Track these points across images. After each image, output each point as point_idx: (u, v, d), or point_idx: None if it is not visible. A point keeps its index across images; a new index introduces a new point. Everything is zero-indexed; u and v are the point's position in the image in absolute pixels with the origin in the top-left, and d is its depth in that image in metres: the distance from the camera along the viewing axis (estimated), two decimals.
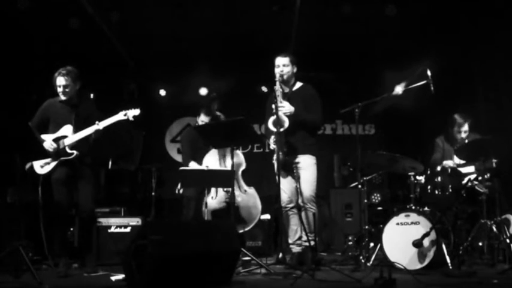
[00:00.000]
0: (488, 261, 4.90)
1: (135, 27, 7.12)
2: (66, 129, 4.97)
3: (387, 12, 6.80)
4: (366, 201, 5.80)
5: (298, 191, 5.09)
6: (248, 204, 5.91)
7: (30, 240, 5.40)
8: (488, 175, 5.06)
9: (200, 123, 6.30)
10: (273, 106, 4.92)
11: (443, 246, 4.67)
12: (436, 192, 5.10)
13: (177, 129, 8.83)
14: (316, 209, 5.10)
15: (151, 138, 8.35)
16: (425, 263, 4.64)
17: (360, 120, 5.25)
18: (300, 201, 5.09)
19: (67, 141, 4.94)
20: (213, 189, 5.92)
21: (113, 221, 5.96)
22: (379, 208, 7.03)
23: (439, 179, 5.14)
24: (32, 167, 5.05)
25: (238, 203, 5.85)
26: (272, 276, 4.52)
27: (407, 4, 6.74)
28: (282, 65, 5.15)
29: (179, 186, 6.25)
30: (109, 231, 5.87)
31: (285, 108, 4.96)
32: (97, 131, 4.91)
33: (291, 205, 5.17)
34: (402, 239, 4.75)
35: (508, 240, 4.71)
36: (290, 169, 5.10)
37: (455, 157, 5.46)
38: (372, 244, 5.55)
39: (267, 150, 5.38)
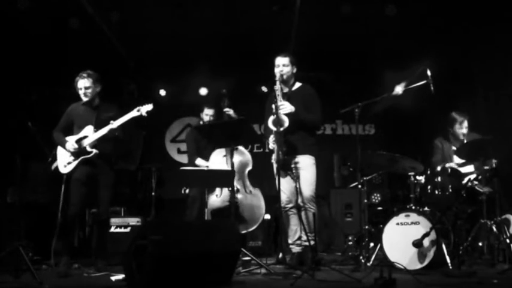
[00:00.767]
0: (488, 261, 4.90)
1: (135, 27, 7.12)
2: (87, 130, 5.14)
3: (387, 12, 6.80)
4: (366, 201, 5.80)
5: (297, 191, 5.09)
6: (252, 205, 5.91)
7: (30, 240, 5.41)
8: (488, 175, 5.06)
9: (205, 117, 6.34)
10: (273, 106, 4.93)
11: (443, 246, 4.67)
12: (436, 192, 5.10)
13: (177, 129, 8.85)
14: (316, 209, 5.10)
15: (151, 138, 8.35)
16: (425, 263, 4.64)
17: (360, 120, 5.25)
18: (299, 201, 5.09)
19: (87, 141, 5.09)
20: (217, 188, 5.92)
21: (113, 221, 5.97)
22: (379, 208, 7.03)
23: (439, 179, 5.14)
24: (57, 167, 5.24)
25: (242, 203, 5.84)
26: (272, 276, 4.52)
27: (407, 4, 6.74)
28: (282, 65, 5.16)
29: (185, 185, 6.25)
30: (109, 231, 5.87)
31: (285, 107, 4.96)
32: (112, 130, 5.03)
33: (290, 205, 5.17)
34: (402, 239, 4.75)
35: (508, 240, 4.71)
36: (289, 169, 5.10)
37: (455, 157, 5.46)
38: (372, 244, 5.55)
39: (267, 150, 5.38)
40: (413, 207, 4.99)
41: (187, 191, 6.25)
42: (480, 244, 5.03)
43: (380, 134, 8.71)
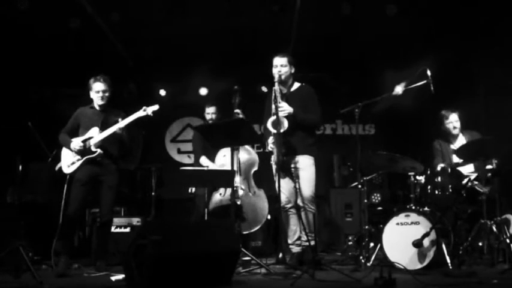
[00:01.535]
0: (488, 261, 4.90)
1: (135, 27, 7.12)
2: (93, 131, 5.18)
3: (387, 12, 6.80)
4: (366, 201, 5.80)
5: (297, 191, 5.09)
6: (255, 206, 5.91)
7: (30, 240, 5.40)
8: (488, 175, 5.06)
9: (206, 115, 6.40)
10: (273, 107, 4.93)
11: (443, 246, 4.67)
12: (436, 192, 5.10)
13: (177, 129, 8.85)
14: (315, 209, 5.10)
15: (151, 138, 8.35)
16: (425, 263, 4.64)
17: (360, 120, 5.25)
18: (299, 201, 5.09)
19: (92, 141, 5.12)
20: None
21: (113, 221, 5.96)
22: (379, 208, 7.03)
23: (439, 179, 5.13)
24: (60, 168, 5.25)
25: (246, 203, 5.84)
26: (272, 276, 4.51)
27: (407, 4, 6.74)
28: (280, 65, 5.14)
29: None
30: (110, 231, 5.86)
31: (284, 109, 4.96)
32: (119, 129, 5.07)
33: (290, 205, 5.17)
34: (402, 239, 4.75)
35: (508, 240, 4.71)
36: (289, 170, 5.10)
37: (454, 156, 5.46)
38: (372, 244, 5.55)
39: (267, 150, 5.38)
40: (413, 207, 4.99)
41: (193, 190, 6.26)
42: (480, 244, 5.02)
43: (380, 134, 8.70)
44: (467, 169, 5.45)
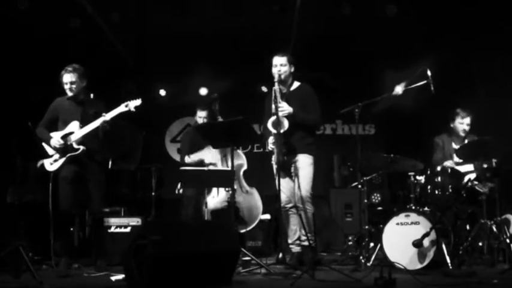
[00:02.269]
0: (488, 261, 4.89)
1: (135, 27, 7.12)
2: (73, 126, 5.04)
3: (387, 12, 6.80)
4: (366, 201, 5.80)
5: (296, 190, 5.09)
6: (249, 205, 5.93)
7: (30, 240, 5.40)
8: (488, 175, 5.06)
9: (198, 119, 6.36)
10: (273, 107, 4.93)
11: (443, 246, 4.67)
12: (436, 192, 5.10)
13: (177, 129, 8.84)
14: (312, 209, 5.09)
15: (151, 138, 8.34)
16: (425, 263, 4.64)
17: (360, 120, 5.25)
18: (296, 200, 5.09)
19: (74, 137, 4.99)
20: (214, 189, 5.92)
21: (113, 221, 5.97)
22: (379, 208, 7.02)
23: (439, 179, 5.13)
24: (43, 165, 5.12)
25: (240, 203, 5.85)
26: (272, 276, 4.52)
27: (407, 4, 6.74)
28: (280, 65, 5.14)
29: (179, 186, 6.26)
30: (109, 231, 5.87)
31: (284, 109, 4.96)
32: (104, 123, 4.93)
33: (290, 205, 5.17)
34: (402, 239, 4.75)
35: (508, 240, 4.71)
36: (289, 169, 5.10)
37: (455, 155, 5.46)
38: (372, 244, 5.55)
39: (267, 150, 5.39)
40: (413, 207, 4.99)
41: (181, 191, 6.26)
42: (480, 244, 5.03)
43: (380, 134, 8.70)
44: (467, 168, 5.44)
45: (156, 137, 8.64)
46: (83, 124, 4.99)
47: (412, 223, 4.80)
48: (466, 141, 5.61)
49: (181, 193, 6.26)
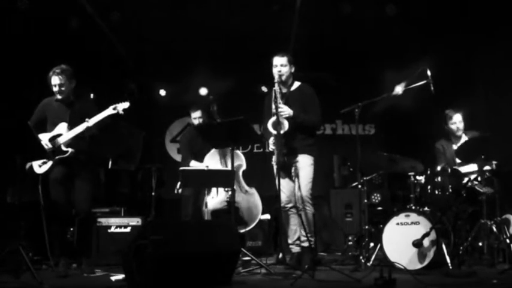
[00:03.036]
0: (488, 261, 4.89)
1: (135, 27, 7.12)
2: (61, 128, 4.98)
3: (387, 12, 6.80)
4: (366, 201, 5.80)
5: (296, 191, 5.09)
6: (249, 205, 5.93)
7: (30, 240, 5.40)
8: (488, 175, 5.06)
9: (194, 121, 6.38)
10: (273, 106, 4.93)
11: (443, 246, 4.67)
12: (436, 192, 5.10)
13: (177, 129, 8.84)
14: (312, 209, 5.09)
15: (151, 138, 8.34)
16: (425, 263, 4.64)
17: (360, 120, 5.25)
18: (297, 200, 5.08)
19: (62, 139, 4.94)
20: (213, 189, 5.92)
21: (113, 221, 5.96)
22: (379, 208, 7.02)
23: (439, 179, 5.13)
24: (31, 167, 5.07)
25: (239, 203, 5.85)
26: (272, 276, 4.52)
27: (407, 4, 6.74)
28: (280, 65, 5.13)
29: (178, 186, 6.26)
30: (109, 231, 5.87)
31: (284, 111, 4.96)
32: (88, 128, 4.88)
33: (290, 205, 5.17)
34: (402, 239, 4.75)
35: (508, 240, 4.71)
36: (289, 170, 5.09)
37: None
38: (372, 244, 5.55)
39: (267, 150, 5.39)
40: (413, 207, 4.99)
41: (180, 191, 6.26)
42: (480, 244, 5.02)
43: (380, 134, 8.70)
44: (469, 169, 5.43)
45: (156, 137, 8.64)
46: (71, 126, 4.93)
47: (412, 223, 4.80)
48: (466, 137, 5.60)
49: (180, 193, 6.26)
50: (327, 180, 7.64)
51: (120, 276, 4.33)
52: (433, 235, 4.62)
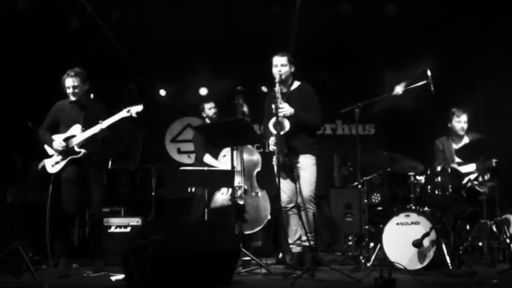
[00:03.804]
0: (488, 261, 4.89)
1: (135, 27, 7.12)
2: (75, 129, 5.08)
3: (387, 12, 6.80)
4: (366, 201, 5.80)
5: (298, 191, 5.09)
6: (258, 207, 5.92)
7: (30, 240, 5.40)
8: (488, 175, 5.06)
9: (208, 112, 6.42)
10: (273, 106, 4.92)
11: (443, 246, 4.66)
12: (436, 192, 5.09)
13: (177, 129, 8.85)
14: (315, 209, 5.09)
15: (151, 138, 8.35)
16: (425, 263, 4.64)
17: (360, 120, 5.25)
18: (299, 201, 5.09)
19: (75, 140, 5.04)
20: None
21: (113, 221, 5.97)
22: (379, 208, 7.02)
23: (439, 179, 5.12)
24: (44, 166, 5.16)
25: (248, 204, 5.84)
26: (272, 276, 4.51)
27: (407, 4, 6.74)
28: (280, 65, 5.12)
29: None
30: (109, 231, 5.88)
31: (285, 110, 4.95)
32: (102, 130, 5.00)
33: (291, 205, 5.17)
34: (402, 239, 4.74)
35: (508, 240, 4.71)
36: (290, 170, 5.09)
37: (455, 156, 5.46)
38: (372, 244, 5.55)
39: (267, 150, 5.39)
40: (413, 207, 4.99)
41: (193, 189, 6.27)
42: (480, 244, 5.02)
43: (380, 134, 8.70)
44: (468, 169, 5.44)
45: (156, 137, 8.65)
46: (85, 127, 5.04)
47: (412, 223, 4.80)
48: (466, 139, 5.60)
49: (193, 192, 6.26)
50: (327, 180, 7.63)
51: (120, 276, 4.33)
52: (433, 235, 4.62)
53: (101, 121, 4.98)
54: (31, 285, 4.20)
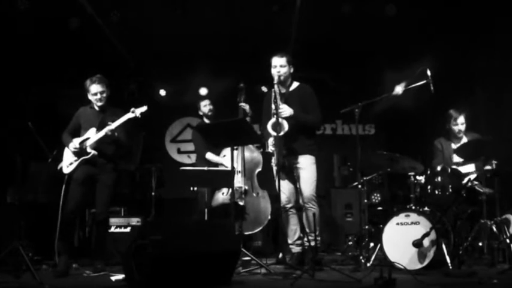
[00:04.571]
0: (488, 261, 4.89)
1: (135, 27, 7.12)
2: (91, 132, 5.18)
3: (387, 12, 6.80)
4: (366, 201, 5.80)
5: (298, 191, 5.09)
6: (259, 207, 5.92)
7: (30, 240, 5.40)
8: (488, 175, 5.06)
9: (204, 109, 6.44)
10: (273, 107, 4.92)
11: (443, 246, 4.66)
12: (436, 192, 5.09)
13: (177, 129, 8.85)
14: (317, 209, 5.09)
15: (151, 138, 8.35)
16: (425, 263, 4.64)
17: (360, 120, 5.25)
18: (300, 201, 5.08)
19: (88, 142, 5.14)
20: None
21: (113, 221, 5.97)
22: (379, 208, 7.02)
23: (439, 179, 5.12)
24: (61, 168, 5.28)
25: (249, 204, 5.84)
26: (272, 276, 4.51)
27: (407, 4, 6.74)
28: (280, 66, 5.11)
29: None
30: (109, 231, 5.87)
31: (285, 111, 4.95)
32: (111, 132, 5.06)
33: (290, 205, 5.17)
34: (402, 239, 4.74)
35: (508, 240, 4.71)
36: (290, 171, 5.09)
37: (455, 156, 5.46)
38: (372, 244, 5.55)
39: (267, 151, 5.39)
40: (413, 207, 4.99)
41: (195, 188, 6.28)
42: (480, 244, 5.02)
43: (380, 134, 8.70)
44: (468, 169, 5.44)
45: (156, 137, 8.65)
46: (99, 130, 5.13)
47: (412, 223, 4.80)
48: (465, 139, 5.60)
49: (196, 190, 6.27)
50: (327, 180, 7.64)
51: (120, 276, 4.33)
52: (433, 235, 4.62)
53: (109, 122, 5.06)
54: (31, 285, 4.20)
